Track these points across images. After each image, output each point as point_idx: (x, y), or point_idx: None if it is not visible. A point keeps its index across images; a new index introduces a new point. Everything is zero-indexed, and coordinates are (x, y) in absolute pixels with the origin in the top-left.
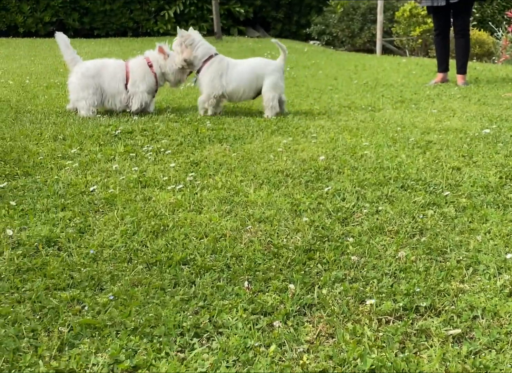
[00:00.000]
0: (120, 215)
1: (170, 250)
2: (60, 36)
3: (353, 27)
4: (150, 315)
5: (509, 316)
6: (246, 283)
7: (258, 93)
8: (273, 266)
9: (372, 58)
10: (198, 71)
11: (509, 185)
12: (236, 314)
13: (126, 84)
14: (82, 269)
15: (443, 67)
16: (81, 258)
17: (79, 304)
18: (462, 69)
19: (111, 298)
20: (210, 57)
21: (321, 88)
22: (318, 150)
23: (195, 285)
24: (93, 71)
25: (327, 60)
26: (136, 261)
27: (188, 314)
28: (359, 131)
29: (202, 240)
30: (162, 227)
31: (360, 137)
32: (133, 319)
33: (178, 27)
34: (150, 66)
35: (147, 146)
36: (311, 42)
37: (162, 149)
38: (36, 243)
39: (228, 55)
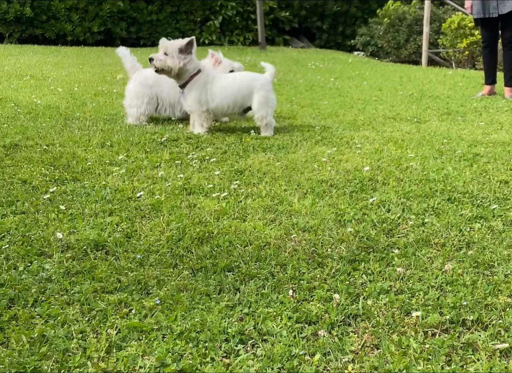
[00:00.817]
0: (166, 221)
1: (215, 257)
2: (121, 51)
3: (399, 38)
4: (196, 320)
5: None
6: (290, 292)
7: (246, 110)
8: (318, 275)
9: (418, 69)
10: (183, 86)
11: None
12: (281, 322)
13: None
14: (129, 273)
15: (490, 80)
16: (128, 262)
17: (127, 307)
18: (510, 82)
19: (158, 302)
20: (199, 71)
21: (365, 99)
22: (363, 161)
23: (239, 292)
24: (151, 80)
25: (371, 71)
26: (181, 267)
27: (233, 320)
28: (405, 142)
29: (246, 248)
30: (207, 234)
31: (405, 149)
32: (179, 323)
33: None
34: None
35: (192, 154)
36: (356, 53)
37: (207, 157)
38: (84, 247)
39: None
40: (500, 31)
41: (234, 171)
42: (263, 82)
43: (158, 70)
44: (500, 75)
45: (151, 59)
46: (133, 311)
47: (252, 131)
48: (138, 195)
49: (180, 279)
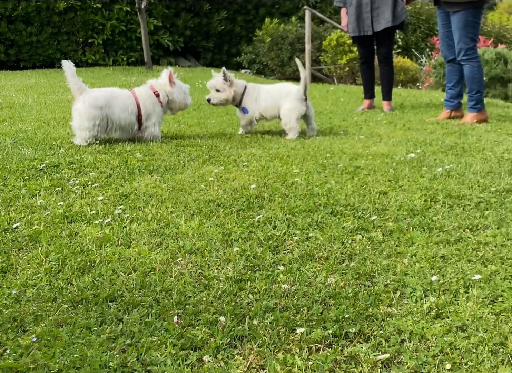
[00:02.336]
0: (45, 252)
1: (97, 287)
2: (67, 65)
3: (282, 56)
4: (75, 356)
5: (435, 339)
6: (175, 318)
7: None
8: (204, 299)
9: None
10: (239, 104)
11: (434, 208)
12: (165, 350)
13: (138, 116)
14: (4, 310)
15: (369, 94)
16: (3, 299)
17: (1, 347)
18: (387, 96)
19: (34, 339)
20: (246, 87)
21: None
22: (250, 179)
23: (122, 322)
24: (102, 102)
25: None
26: (61, 300)
27: (115, 353)
28: (290, 158)
29: (130, 275)
30: (88, 263)
31: (290, 165)
32: (57, 361)
33: (224, 68)
34: (157, 95)
35: (74, 179)
36: (243, 71)
37: (90, 183)
38: None
39: None
40: (376, 48)
41: (118, 196)
42: (292, 92)
43: (216, 104)
44: (378, 90)
45: (209, 100)
46: (8, 351)
47: (138, 153)
48: (14, 226)
49: (59, 313)
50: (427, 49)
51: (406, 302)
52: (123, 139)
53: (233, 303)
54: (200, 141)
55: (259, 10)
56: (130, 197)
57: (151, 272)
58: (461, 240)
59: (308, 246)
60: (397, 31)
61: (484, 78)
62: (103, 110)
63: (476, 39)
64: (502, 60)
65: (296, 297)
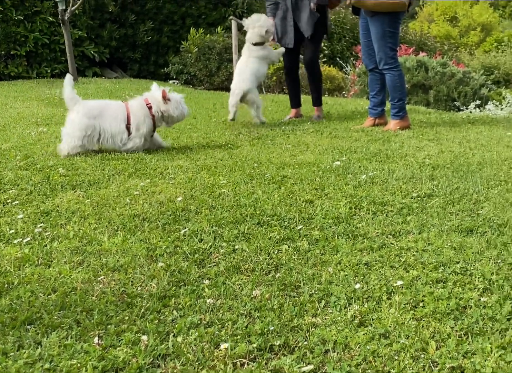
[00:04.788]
0: None
1: (15, 310)
2: (68, 77)
3: (210, 66)
4: None
5: (359, 347)
6: (96, 339)
7: None
8: (126, 317)
9: None
10: None
11: (358, 215)
12: None
13: (127, 125)
14: None
15: (295, 103)
16: None
17: None
18: (317, 102)
19: None
20: None
21: (180, 128)
22: (176, 191)
23: (41, 346)
24: (96, 112)
25: (186, 99)
26: None
27: None
28: (217, 169)
29: (50, 296)
30: (6, 285)
31: (218, 176)
32: None
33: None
34: (150, 108)
35: None
36: (171, 81)
37: (10, 200)
38: None
39: (85, 97)
40: (301, 56)
41: (39, 213)
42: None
43: None
44: (305, 98)
45: None
46: None
47: (61, 168)
48: None
49: None
50: (352, 58)
51: (331, 311)
52: (115, 149)
53: (157, 321)
54: (126, 154)
55: (185, 20)
56: (52, 214)
57: (72, 292)
58: (384, 246)
59: (234, 258)
60: (324, 39)
61: (406, 85)
62: (97, 119)
63: (395, 48)
64: (423, 67)
65: (221, 312)
